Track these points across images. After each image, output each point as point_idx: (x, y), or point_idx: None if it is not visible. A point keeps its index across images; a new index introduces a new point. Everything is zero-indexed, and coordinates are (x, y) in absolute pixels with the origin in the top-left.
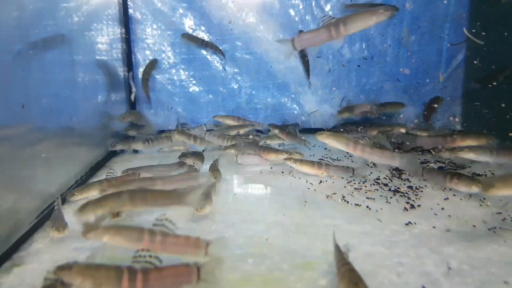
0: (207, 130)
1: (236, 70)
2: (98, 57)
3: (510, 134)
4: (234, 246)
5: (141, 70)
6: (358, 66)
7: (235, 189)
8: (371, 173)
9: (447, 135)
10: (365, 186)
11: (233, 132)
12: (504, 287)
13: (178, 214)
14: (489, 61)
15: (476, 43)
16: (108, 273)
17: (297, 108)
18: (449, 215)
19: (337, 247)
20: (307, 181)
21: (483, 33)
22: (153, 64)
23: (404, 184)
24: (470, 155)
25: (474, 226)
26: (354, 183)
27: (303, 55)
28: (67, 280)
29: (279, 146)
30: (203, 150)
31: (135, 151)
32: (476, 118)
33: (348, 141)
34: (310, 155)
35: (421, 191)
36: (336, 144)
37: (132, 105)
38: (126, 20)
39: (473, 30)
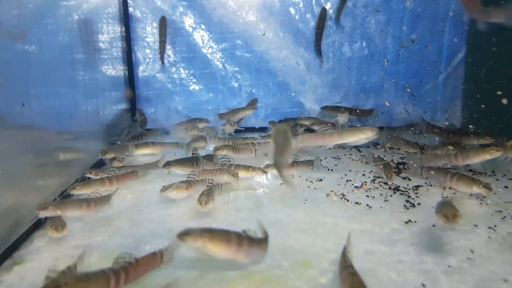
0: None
1: (236, 68)
2: (98, 56)
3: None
4: None
5: (141, 68)
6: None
7: (235, 188)
8: (371, 171)
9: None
10: (365, 185)
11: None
12: (503, 285)
13: (180, 212)
14: (489, 60)
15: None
16: (98, 281)
17: (297, 106)
18: None
19: (344, 249)
20: (307, 180)
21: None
22: (163, 23)
23: (404, 182)
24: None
25: (474, 225)
26: (354, 181)
27: (321, 17)
28: None
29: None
30: None
31: None
32: (476, 117)
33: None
34: None
35: (421, 189)
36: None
37: (132, 104)
38: (126, 19)
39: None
